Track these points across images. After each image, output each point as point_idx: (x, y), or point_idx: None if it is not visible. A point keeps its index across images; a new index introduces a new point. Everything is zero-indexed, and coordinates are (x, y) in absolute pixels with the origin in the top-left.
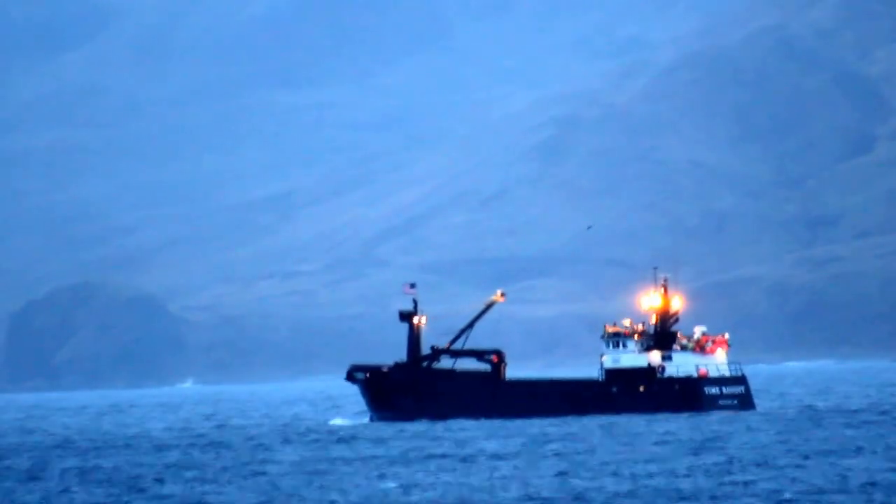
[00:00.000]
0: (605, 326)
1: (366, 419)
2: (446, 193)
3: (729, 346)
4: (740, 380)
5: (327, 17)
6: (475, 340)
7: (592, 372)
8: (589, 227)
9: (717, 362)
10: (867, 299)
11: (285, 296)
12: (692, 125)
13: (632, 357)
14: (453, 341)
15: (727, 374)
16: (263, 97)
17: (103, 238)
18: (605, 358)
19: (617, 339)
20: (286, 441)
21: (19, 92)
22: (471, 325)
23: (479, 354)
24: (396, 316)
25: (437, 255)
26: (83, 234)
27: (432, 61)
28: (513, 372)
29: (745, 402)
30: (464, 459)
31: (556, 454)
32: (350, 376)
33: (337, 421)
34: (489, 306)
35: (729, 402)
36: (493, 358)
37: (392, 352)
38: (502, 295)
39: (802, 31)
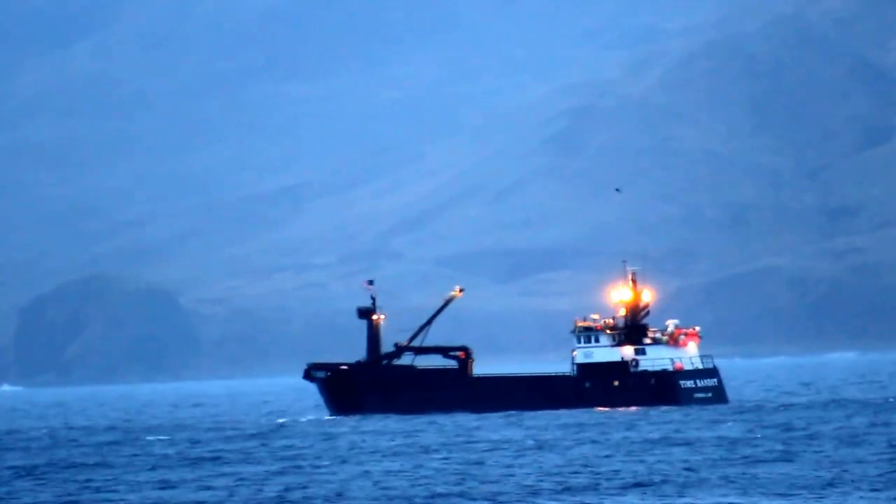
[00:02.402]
0: (575, 321)
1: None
2: (460, 185)
3: (700, 338)
4: (713, 372)
5: (337, 7)
6: (489, 332)
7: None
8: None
9: (691, 355)
10: (888, 290)
11: (298, 289)
12: (709, 115)
13: (605, 351)
14: (412, 338)
15: (700, 367)
16: (274, 88)
17: (114, 231)
18: (576, 353)
19: (589, 334)
20: None
21: (28, 84)
22: (429, 322)
23: (445, 351)
24: (410, 309)
25: (451, 248)
26: (93, 227)
27: (443, 51)
28: (528, 366)
29: (719, 395)
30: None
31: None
32: (308, 375)
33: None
34: (448, 302)
35: (703, 395)
36: (460, 354)
37: None
38: (461, 291)
39: (819, 20)
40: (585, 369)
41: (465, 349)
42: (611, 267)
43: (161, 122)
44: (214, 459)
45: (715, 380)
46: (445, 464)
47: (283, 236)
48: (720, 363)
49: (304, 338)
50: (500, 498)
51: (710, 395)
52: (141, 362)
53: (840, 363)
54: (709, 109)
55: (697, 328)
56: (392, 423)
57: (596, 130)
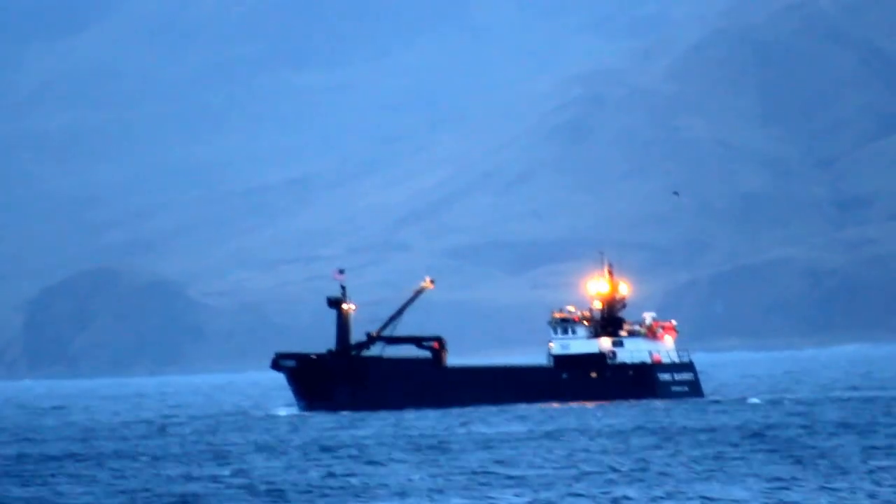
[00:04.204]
0: (552, 312)
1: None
2: (469, 176)
3: (677, 332)
4: (689, 366)
5: None
6: (498, 324)
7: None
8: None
9: (668, 349)
10: None
11: (307, 281)
12: (718, 105)
13: (581, 343)
14: (382, 329)
15: (677, 360)
16: (281, 78)
17: (121, 222)
18: (552, 344)
19: (566, 326)
20: None
21: (33, 74)
22: (400, 313)
23: (418, 341)
24: (420, 301)
25: (460, 239)
26: (100, 218)
27: (451, 40)
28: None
29: (695, 388)
30: None
31: None
32: (276, 364)
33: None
34: (418, 293)
35: (680, 388)
36: (434, 344)
37: None
38: (431, 282)
39: (830, 7)
40: (562, 361)
41: (438, 339)
42: (621, 258)
43: (167, 112)
44: None
45: (691, 374)
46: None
47: (291, 228)
48: (735, 356)
49: (313, 330)
50: None
51: (686, 388)
52: (148, 355)
53: (853, 356)
54: (718, 99)
55: (674, 322)
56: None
57: (605, 120)
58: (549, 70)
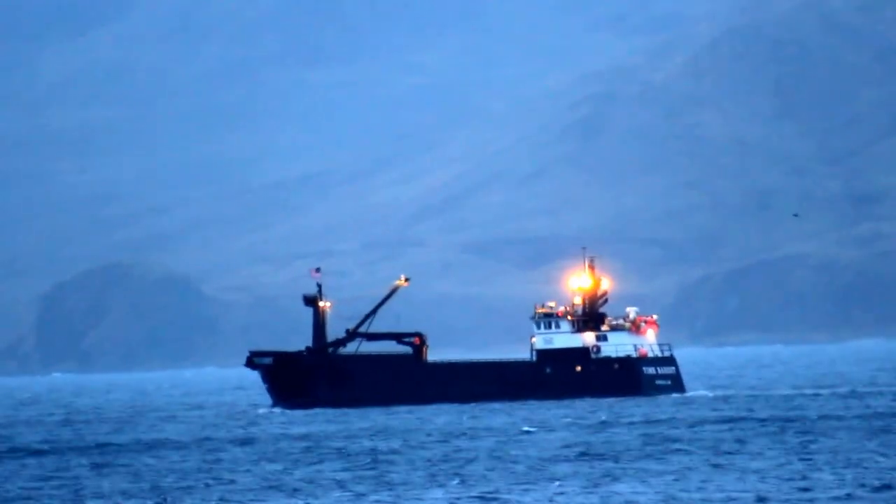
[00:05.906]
0: (535, 307)
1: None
2: (483, 172)
3: (658, 326)
4: (671, 361)
5: None
6: (511, 319)
7: None
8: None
9: (650, 343)
10: None
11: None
12: (733, 102)
13: (565, 337)
14: (358, 326)
15: (660, 354)
16: (295, 75)
17: (135, 218)
18: (535, 339)
19: (549, 320)
20: None
21: (49, 72)
22: (374, 311)
23: (398, 337)
24: (434, 296)
25: (474, 235)
26: (114, 214)
27: (466, 38)
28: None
29: (677, 383)
30: None
31: None
32: (250, 362)
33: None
34: (393, 291)
35: (664, 382)
36: (415, 340)
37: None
38: (406, 280)
39: (844, 4)
40: (545, 355)
41: (419, 335)
42: (635, 254)
43: (182, 109)
44: None
45: (673, 368)
46: None
47: (305, 224)
48: (752, 350)
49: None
50: None
51: (669, 382)
52: (162, 350)
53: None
54: (733, 95)
55: (655, 316)
56: None
57: (619, 117)
58: (563, 67)
